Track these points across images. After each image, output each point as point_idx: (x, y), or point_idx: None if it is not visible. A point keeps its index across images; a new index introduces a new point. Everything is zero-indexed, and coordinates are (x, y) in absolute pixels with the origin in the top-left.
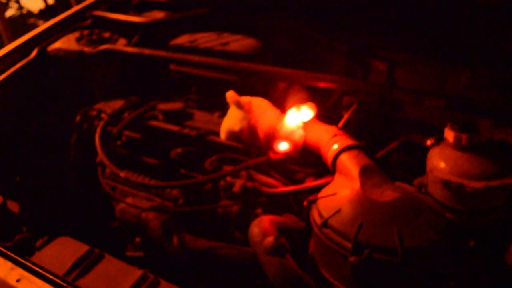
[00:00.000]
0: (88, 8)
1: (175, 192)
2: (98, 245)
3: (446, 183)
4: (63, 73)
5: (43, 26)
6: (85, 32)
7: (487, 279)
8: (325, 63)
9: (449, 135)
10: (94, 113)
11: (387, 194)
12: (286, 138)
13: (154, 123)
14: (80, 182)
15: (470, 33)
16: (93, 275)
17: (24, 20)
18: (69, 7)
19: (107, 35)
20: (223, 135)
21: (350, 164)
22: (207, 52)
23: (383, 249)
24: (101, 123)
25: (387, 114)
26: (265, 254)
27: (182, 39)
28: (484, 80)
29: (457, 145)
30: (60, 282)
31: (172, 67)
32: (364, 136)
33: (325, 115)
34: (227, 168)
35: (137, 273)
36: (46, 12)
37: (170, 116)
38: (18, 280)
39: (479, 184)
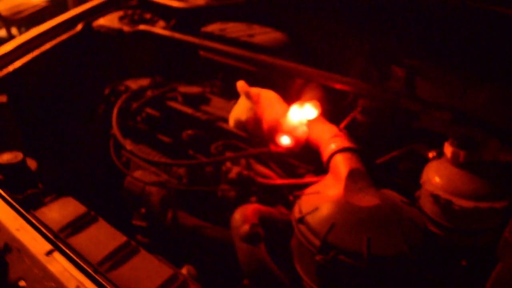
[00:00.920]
0: None
1: (180, 171)
2: (103, 211)
3: (435, 198)
4: (103, 49)
5: (91, 3)
6: (129, 11)
7: None
8: (346, 64)
9: (447, 150)
10: (122, 88)
11: (367, 199)
12: (289, 133)
13: (172, 103)
14: (101, 151)
15: (496, 48)
16: (83, 235)
17: None
18: None
19: (148, 16)
20: (231, 123)
21: (341, 165)
22: (233, 41)
23: (349, 252)
24: (123, 97)
25: (401, 122)
26: (239, 240)
27: (213, 27)
28: (505, 99)
29: (455, 161)
30: (51, 237)
31: (201, 53)
32: (374, 141)
33: (338, 115)
34: (229, 154)
35: (121, 239)
36: None
37: (188, 99)
38: (17, 229)
39: (467, 203)
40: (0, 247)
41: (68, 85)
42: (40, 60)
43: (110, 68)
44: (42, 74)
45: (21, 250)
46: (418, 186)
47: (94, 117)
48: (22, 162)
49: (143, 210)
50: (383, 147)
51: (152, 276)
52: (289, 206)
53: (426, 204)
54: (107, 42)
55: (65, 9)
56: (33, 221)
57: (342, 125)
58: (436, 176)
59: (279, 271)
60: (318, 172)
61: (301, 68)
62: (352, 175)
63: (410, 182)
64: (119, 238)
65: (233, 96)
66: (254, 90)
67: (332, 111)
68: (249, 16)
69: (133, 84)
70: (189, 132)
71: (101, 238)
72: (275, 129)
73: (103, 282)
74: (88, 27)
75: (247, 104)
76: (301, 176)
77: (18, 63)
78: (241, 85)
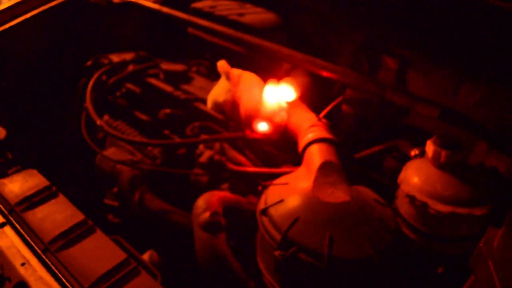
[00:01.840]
0: None
1: (155, 151)
2: (73, 187)
3: (411, 199)
4: (91, 19)
5: None
6: None
7: None
8: (336, 51)
9: (429, 149)
10: (106, 61)
11: (336, 195)
12: (267, 118)
13: (152, 80)
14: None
15: (494, 45)
16: (39, 211)
17: None
18: None
19: None
20: (209, 104)
21: (315, 156)
22: (222, 20)
23: (310, 251)
24: (100, 70)
25: (390, 116)
26: (198, 228)
27: (203, 3)
28: (499, 100)
29: (435, 162)
30: (4, 210)
31: (190, 30)
32: (359, 134)
33: (324, 104)
34: (204, 137)
35: (78, 217)
36: None
37: (169, 77)
38: None
39: (444, 208)
40: None
41: (50, 55)
42: (25, 26)
43: (96, 40)
44: (25, 41)
45: None
46: None
47: (74, 90)
48: None
49: (115, 189)
50: (369, 141)
51: (103, 259)
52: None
53: (402, 205)
54: (95, 13)
55: None
56: None
57: (322, 114)
58: (415, 176)
59: (239, 264)
60: (298, 162)
61: (288, 52)
62: (323, 168)
63: (393, 180)
64: (76, 216)
65: (220, 77)
66: (235, 72)
67: (317, 100)
68: None
69: (117, 58)
70: (166, 111)
71: (58, 215)
72: (253, 114)
73: (48, 262)
74: None
75: (226, 85)
76: (278, 165)
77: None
78: (221, 65)
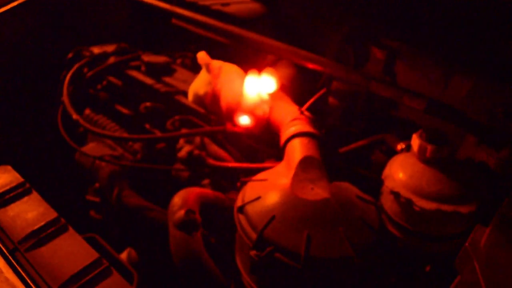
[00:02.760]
0: None
1: (136, 146)
2: (52, 184)
3: (395, 196)
4: (75, 11)
5: None
6: None
7: None
8: (324, 41)
9: (415, 143)
10: (88, 53)
11: (316, 192)
12: (249, 112)
13: (133, 72)
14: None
15: (485, 38)
16: (11, 208)
17: None
18: None
19: None
20: (190, 97)
21: (296, 151)
22: (205, 10)
23: (287, 251)
24: (78, 63)
25: (378, 110)
26: (173, 226)
27: None
28: (489, 92)
29: (421, 156)
30: None
31: (174, 21)
32: (346, 128)
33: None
34: (185, 131)
35: (51, 215)
36: None
37: (150, 69)
38: None
39: (429, 205)
40: None
41: (29, 47)
42: (4, 18)
43: (79, 32)
44: (3, 33)
45: None
46: None
47: (55, 83)
48: None
49: (97, 185)
50: (357, 135)
51: (75, 259)
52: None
53: (387, 202)
54: (78, 3)
55: None
56: None
57: (305, 107)
58: (400, 171)
59: (215, 264)
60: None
61: (272, 42)
62: (303, 164)
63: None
64: (49, 214)
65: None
66: (216, 63)
67: (303, 92)
68: None
69: (98, 50)
70: (147, 104)
71: (30, 213)
72: (233, 107)
73: (14, 263)
74: None
75: (207, 77)
76: (262, 160)
77: None
78: (201, 56)
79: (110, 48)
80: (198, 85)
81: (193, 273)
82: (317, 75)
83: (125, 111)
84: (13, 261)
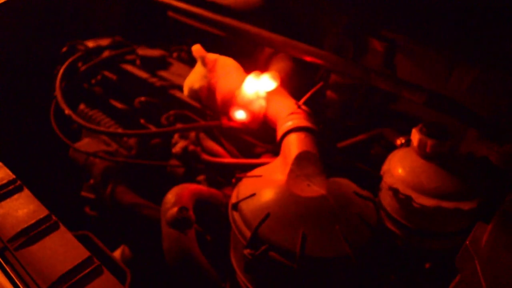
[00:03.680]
0: None
1: (131, 141)
2: (46, 180)
3: (394, 192)
4: (69, 4)
5: None
6: None
7: None
8: (323, 33)
9: (414, 137)
10: (82, 47)
11: (312, 189)
12: (244, 107)
13: (128, 66)
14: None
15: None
16: (1, 207)
17: None
18: None
19: None
20: (185, 91)
21: (292, 147)
22: (202, 2)
23: (281, 249)
24: (72, 57)
25: (378, 103)
26: (165, 224)
27: None
28: (492, 84)
29: (421, 151)
30: None
31: (170, 14)
32: (345, 122)
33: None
34: (178, 126)
35: (42, 213)
36: None
37: (145, 63)
38: None
39: (429, 202)
40: None
41: (23, 42)
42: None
43: (74, 26)
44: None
45: None
46: None
47: (49, 78)
48: None
49: (92, 181)
50: (356, 130)
51: (65, 258)
52: None
53: (385, 198)
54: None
55: None
56: None
57: (301, 101)
58: (399, 166)
59: (210, 262)
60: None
61: (270, 35)
62: (300, 159)
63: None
64: (40, 212)
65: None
66: (211, 56)
67: (301, 86)
68: None
69: (93, 44)
70: (142, 99)
71: (21, 210)
72: (230, 102)
73: (3, 263)
74: None
75: (202, 71)
76: (259, 156)
77: None
78: (196, 49)
79: (104, 41)
80: (193, 79)
81: (185, 271)
82: (315, 68)
83: (119, 105)
84: (1, 260)
